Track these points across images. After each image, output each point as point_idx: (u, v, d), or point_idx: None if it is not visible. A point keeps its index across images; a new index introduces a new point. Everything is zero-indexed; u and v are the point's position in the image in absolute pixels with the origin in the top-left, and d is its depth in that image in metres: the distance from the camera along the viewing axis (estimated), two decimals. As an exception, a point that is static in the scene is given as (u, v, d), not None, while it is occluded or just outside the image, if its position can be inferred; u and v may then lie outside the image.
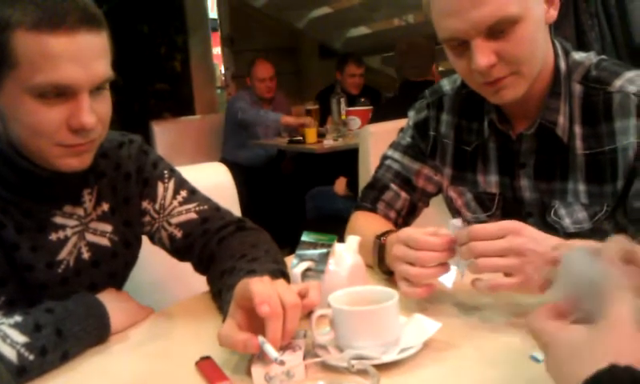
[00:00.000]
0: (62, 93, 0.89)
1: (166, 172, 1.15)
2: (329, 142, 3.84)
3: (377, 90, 4.66)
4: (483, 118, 1.20)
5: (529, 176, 1.16)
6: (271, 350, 0.77)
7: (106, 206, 1.08)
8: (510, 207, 1.19)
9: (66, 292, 0.99)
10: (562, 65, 1.12)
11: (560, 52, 1.13)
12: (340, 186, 3.47)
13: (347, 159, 3.34)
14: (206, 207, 1.15)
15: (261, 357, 0.81)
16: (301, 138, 3.97)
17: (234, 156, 4.30)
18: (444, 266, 0.95)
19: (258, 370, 0.79)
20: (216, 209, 1.17)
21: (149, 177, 1.13)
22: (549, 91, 1.11)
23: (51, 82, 0.87)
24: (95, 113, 0.92)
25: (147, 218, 1.14)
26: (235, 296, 0.85)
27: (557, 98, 1.11)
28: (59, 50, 0.86)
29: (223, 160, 4.29)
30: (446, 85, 1.29)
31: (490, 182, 1.21)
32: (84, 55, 0.89)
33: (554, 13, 1.07)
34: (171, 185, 1.14)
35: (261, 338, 0.79)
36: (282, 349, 0.82)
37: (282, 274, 1.00)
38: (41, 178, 0.96)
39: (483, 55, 1.01)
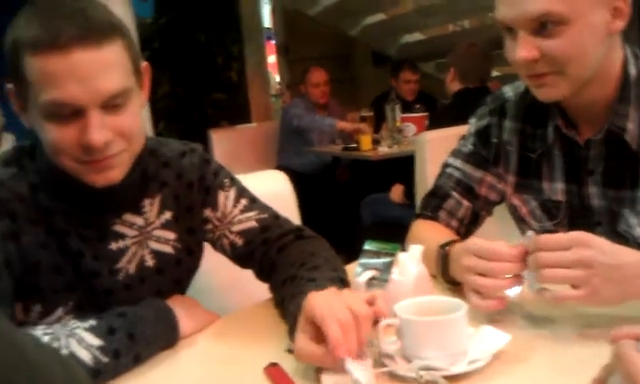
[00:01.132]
0: (71, 111, 0.89)
1: (226, 181, 1.17)
2: (384, 149, 3.83)
3: (432, 96, 4.62)
4: (548, 124, 1.17)
5: (597, 183, 1.13)
6: (362, 377, 0.76)
7: (169, 215, 1.10)
8: (578, 215, 1.16)
9: (131, 298, 1.02)
10: (633, 70, 1.08)
11: (630, 57, 1.10)
12: (396, 193, 3.45)
13: (402, 166, 3.32)
14: (265, 216, 1.16)
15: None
16: (355, 144, 3.98)
17: (290, 163, 4.34)
18: (517, 278, 0.93)
19: (327, 378, 0.80)
20: (275, 217, 1.18)
21: (210, 185, 1.15)
22: (617, 96, 1.08)
23: (54, 100, 0.87)
24: (111, 128, 0.91)
25: (209, 226, 1.16)
26: (304, 312, 0.85)
27: (626, 103, 1.08)
28: (56, 70, 0.86)
29: (279, 167, 4.33)
30: (509, 91, 1.27)
31: (556, 189, 1.18)
32: (82, 73, 0.87)
33: (620, 23, 1.04)
34: (232, 193, 1.16)
35: (349, 362, 0.78)
36: None
37: (341, 281, 1.00)
38: (90, 192, 0.97)
39: (524, 48, 1.03)
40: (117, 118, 0.92)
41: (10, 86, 0.95)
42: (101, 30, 0.89)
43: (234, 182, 1.18)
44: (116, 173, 0.96)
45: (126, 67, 0.93)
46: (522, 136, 1.22)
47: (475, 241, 0.97)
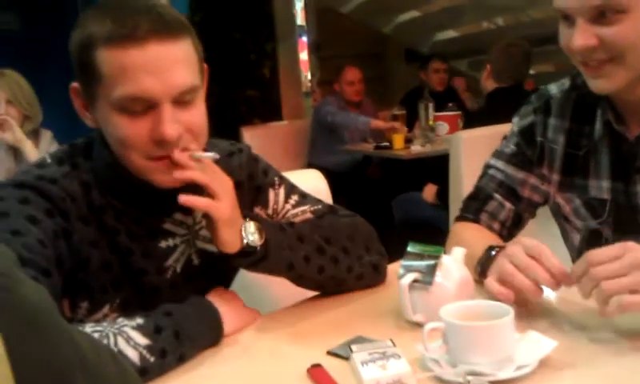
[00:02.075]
0: (144, 105, 0.91)
1: (276, 179, 1.18)
2: (416, 148, 3.80)
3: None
4: (595, 121, 1.16)
5: None
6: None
7: None
8: (624, 214, 1.15)
9: (177, 296, 1.03)
10: None
11: None
12: (429, 193, 3.42)
13: (434, 165, 3.29)
14: (319, 207, 1.19)
15: (371, 367, 0.81)
16: (388, 143, 3.95)
17: (321, 161, 4.33)
18: (538, 290, 0.93)
19: (369, 380, 0.79)
20: (329, 207, 1.20)
21: (261, 184, 1.16)
22: None
23: (128, 94, 0.90)
24: (181, 123, 0.93)
25: None
26: None
27: None
28: (132, 63, 0.89)
29: (309, 165, 4.34)
30: (553, 88, 1.26)
31: (601, 187, 1.16)
32: (157, 66, 0.90)
33: None
34: (282, 191, 1.17)
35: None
36: (384, 358, 0.83)
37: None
38: (147, 191, 0.99)
39: (581, 37, 1.02)
40: (187, 114, 0.94)
41: (75, 84, 0.98)
42: (174, 25, 0.92)
43: (283, 180, 1.20)
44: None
45: (195, 65, 0.96)
46: (568, 134, 1.20)
47: (533, 240, 0.96)
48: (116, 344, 0.86)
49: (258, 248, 1.00)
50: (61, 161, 1.00)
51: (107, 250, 0.99)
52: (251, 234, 1.00)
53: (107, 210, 1.00)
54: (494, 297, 0.99)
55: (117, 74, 0.90)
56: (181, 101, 0.93)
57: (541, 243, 0.95)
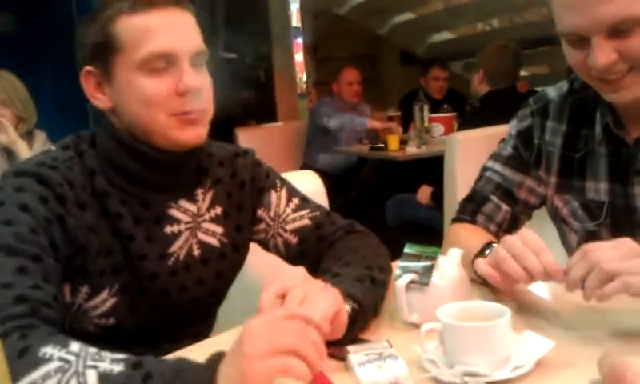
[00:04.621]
0: (165, 63, 0.99)
1: (278, 181, 1.21)
2: (411, 149, 3.80)
3: (461, 94, 4.58)
4: (593, 124, 1.17)
5: None
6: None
7: (219, 210, 1.14)
8: (621, 216, 1.15)
9: (175, 284, 1.06)
10: None
11: None
12: (424, 194, 3.43)
13: (429, 167, 3.30)
14: (318, 213, 1.20)
15: (368, 368, 0.81)
16: (383, 144, 3.96)
17: (316, 162, 4.34)
18: (527, 277, 0.93)
19: (367, 382, 0.79)
20: (327, 214, 1.21)
21: (263, 186, 1.19)
22: None
23: (153, 51, 0.98)
24: (199, 81, 1.01)
25: (263, 226, 1.19)
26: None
27: None
28: (155, 24, 0.99)
29: (305, 166, 4.34)
30: (551, 92, 1.26)
31: (599, 189, 1.17)
32: (177, 27, 1.01)
33: None
34: (283, 193, 1.20)
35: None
36: (381, 359, 0.83)
37: (372, 280, 1.02)
38: (160, 163, 1.03)
39: (603, 54, 1.00)
40: (200, 76, 1.03)
41: (87, 68, 1.04)
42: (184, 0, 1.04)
43: (285, 182, 1.22)
44: (201, 130, 1.04)
45: (200, 34, 1.05)
46: (566, 136, 1.21)
47: (535, 234, 0.96)
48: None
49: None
50: (67, 147, 1.04)
51: (108, 235, 1.01)
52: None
53: (111, 195, 1.02)
54: (483, 278, 1.02)
55: (141, 36, 0.99)
56: (195, 63, 1.02)
57: (540, 239, 0.96)
